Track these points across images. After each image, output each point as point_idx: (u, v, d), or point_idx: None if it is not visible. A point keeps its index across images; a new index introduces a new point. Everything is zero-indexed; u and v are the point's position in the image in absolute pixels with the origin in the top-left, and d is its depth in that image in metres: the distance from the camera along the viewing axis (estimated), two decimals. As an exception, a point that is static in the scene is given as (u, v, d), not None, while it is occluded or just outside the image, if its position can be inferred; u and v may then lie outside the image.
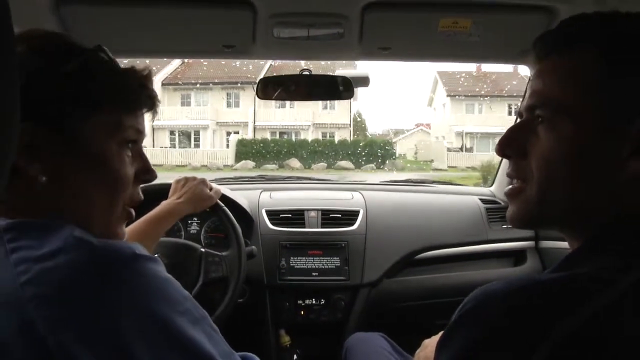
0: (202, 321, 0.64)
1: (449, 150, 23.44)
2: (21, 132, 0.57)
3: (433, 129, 29.00)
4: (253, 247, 1.59)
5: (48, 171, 0.62)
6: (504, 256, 2.03)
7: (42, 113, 0.61)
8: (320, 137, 23.96)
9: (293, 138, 23.65)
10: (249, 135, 23.46)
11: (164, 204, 1.35)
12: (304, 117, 23.85)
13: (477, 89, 24.95)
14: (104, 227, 0.69)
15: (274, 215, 1.88)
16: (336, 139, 22.90)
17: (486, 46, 1.42)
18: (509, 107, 23.98)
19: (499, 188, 2.17)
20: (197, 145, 23.15)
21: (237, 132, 23.48)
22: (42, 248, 0.57)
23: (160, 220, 1.29)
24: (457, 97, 25.56)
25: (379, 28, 1.33)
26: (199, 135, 23.34)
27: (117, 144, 0.68)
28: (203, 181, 1.44)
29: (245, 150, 21.14)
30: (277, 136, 23.77)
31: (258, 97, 1.64)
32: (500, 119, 22.98)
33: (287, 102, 23.04)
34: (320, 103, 22.67)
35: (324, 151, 21.28)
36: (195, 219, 1.83)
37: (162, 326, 0.58)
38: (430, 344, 1.25)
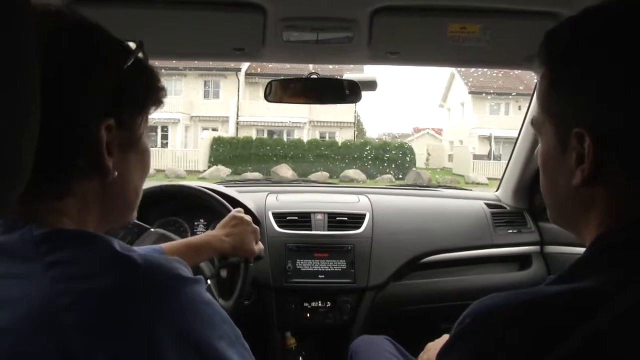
0: (237, 342, 0.64)
1: (475, 157, 20.37)
2: (104, 130, 0.60)
3: (447, 132, 25.95)
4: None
5: (116, 167, 0.63)
6: (509, 261, 2.04)
7: (113, 109, 0.63)
8: (318, 137, 19.94)
9: (285, 138, 19.74)
10: (230, 132, 19.58)
11: (208, 234, 1.33)
12: (299, 112, 19.63)
13: (506, 85, 21.24)
14: (133, 213, 0.73)
15: (280, 217, 1.89)
16: (338, 140, 18.93)
17: (494, 51, 1.43)
18: None
19: (504, 192, 2.17)
20: (164, 145, 19.03)
21: (216, 129, 19.44)
22: (82, 265, 0.55)
23: (200, 250, 1.27)
24: (481, 94, 22.15)
25: (388, 33, 1.34)
26: (167, 131, 19.33)
27: (148, 135, 0.72)
28: (255, 231, 1.39)
29: (221, 152, 16.92)
30: (265, 135, 19.86)
31: (266, 100, 1.64)
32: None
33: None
34: (318, 96, 19.47)
35: (324, 155, 17.23)
36: (202, 220, 1.84)
37: (202, 351, 0.57)
38: (433, 347, 1.25)
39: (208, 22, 1.34)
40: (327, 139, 20.09)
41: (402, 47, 1.43)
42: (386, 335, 1.48)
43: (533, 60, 1.49)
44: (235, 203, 1.71)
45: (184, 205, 1.69)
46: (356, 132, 21.81)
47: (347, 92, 1.62)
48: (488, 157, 20.98)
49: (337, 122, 20.54)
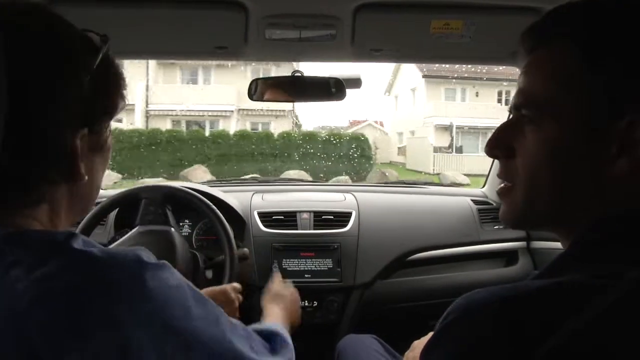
0: (219, 320, 0.63)
1: (436, 150, 18.03)
2: (79, 139, 0.58)
3: (394, 122, 23.39)
4: (245, 249, 1.58)
5: (86, 169, 0.62)
6: (496, 257, 2.04)
7: (87, 117, 0.61)
8: (249, 128, 16.58)
9: (207, 129, 16.33)
10: (137, 124, 15.99)
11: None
12: (225, 98, 16.34)
13: (468, 68, 18.27)
14: (92, 207, 0.75)
15: (266, 217, 1.88)
16: (274, 132, 15.04)
17: (477, 48, 1.43)
18: (499, 94, 19.21)
19: (490, 189, 2.18)
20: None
21: (120, 121, 14.71)
22: (43, 264, 0.53)
23: None
24: (435, 78, 19.53)
25: (371, 30, 1.33)
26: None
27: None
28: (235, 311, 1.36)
29: (117, 149, 11.98)
30: (184, 127, 16.50)
31: (250, 99, 1.63)
32: (489, 109, 17.99)
33: (200, 77, 17.44)
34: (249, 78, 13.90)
35: (257, 151, 13.41)
36: (187, 220, 1.82)
37: (181, 337, 0.57)
38: (418, 345, 1.24)
39: (189, 20, 1.32)
40: (259, 130, 16.61)
41: (385, 44, 1.43)
42: (374, 334, 1.47)
43: (517, 56, 1.49)
44: (220, 203, 1.69)
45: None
46: (295, 123, 18.62)
47: (332, 90, 1.62)
48: (449, 149, 18.49)
49: (271, 110, 17.08)
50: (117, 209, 1.69)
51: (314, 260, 1.79)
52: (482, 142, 18.51)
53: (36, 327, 0.50)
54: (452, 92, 20.29)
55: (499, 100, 19.28)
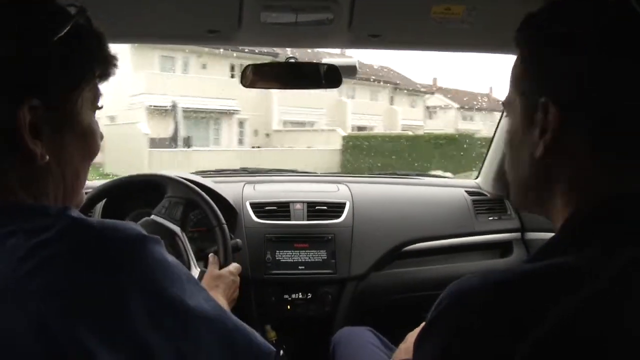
0: (208, 302, 0.63)
1: (153, 144, 12.21)
2: (25, 111, 0.55)
3: None
4: (238, 240, 1.55)
5: (49, 149, 0.59)
6: (490, 248, 2.04)
7: (37, 87, 0.57)
8: None
9: None
10: None
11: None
12: None
13: None
14: (78, 197, 0.69)
15: (258, 207, 1.85)
16: None
17: (478, 34, 1.40)
18: (232, 68, 15.29)
19: (484, 180, 2.17)
20: None
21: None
22: (41, 233, 0.53)
23: None
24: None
25: (370, 14, 1.30)
26: None
27: (94, 113, 0.67)
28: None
29: None
30: None
31: (242, 85, 1.59)
32: (221, 85, 13.91)
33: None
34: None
35: None
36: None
37: (176, 310, 0.56)
38: (411, 337, 1.24)
39: (180, 1, 1.27)
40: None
41: (383, 29, 1.39)
42: (369, 325, 1.47)
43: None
44: (212, 193, 1.66)
45: (159, 197, 1.63)
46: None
47: (327, 77, 1.59)
48: (172, 142, 12.76)
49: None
50: (105, 199, 1.64)
51: (307, 251, 1.77)
52: (214, 130, 14.87)
53: (38, 293, 0.50)
54: (171, 61, 14.64)
55: (232, 76, 15.29)
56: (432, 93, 23.48)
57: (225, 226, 1.46)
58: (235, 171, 2.35)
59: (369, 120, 20.72)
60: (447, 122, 21.89)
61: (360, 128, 19.95)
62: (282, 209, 1.86)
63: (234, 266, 1.39)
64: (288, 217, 1.83)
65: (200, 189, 1.51)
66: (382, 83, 21.16)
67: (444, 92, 23.42)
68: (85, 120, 0.64)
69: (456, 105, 22.59)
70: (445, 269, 1.92)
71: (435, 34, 1.40)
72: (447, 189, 2.16)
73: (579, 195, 0.60)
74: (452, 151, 12.10)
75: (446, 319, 0.56)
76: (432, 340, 0.57)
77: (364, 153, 13.04)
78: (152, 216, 1.46)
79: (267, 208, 1.85)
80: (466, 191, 2.10)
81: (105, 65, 0.66)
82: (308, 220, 1.83)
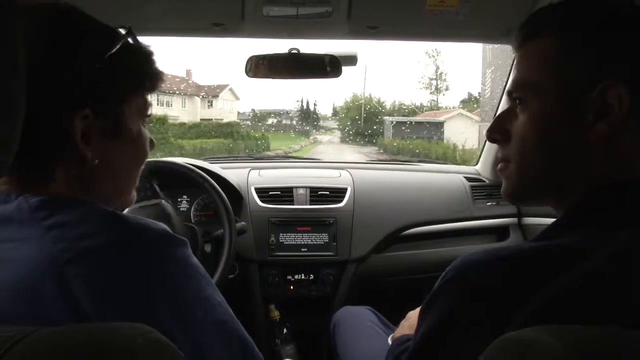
0: (221, 306, 0.69)
1: None
2: (79, 120, 0.61)
3: None
4: (243, 223, 1.61)
5: (98, 154, 0.65)
6: (487, 232, 2.07)
7: (90, 99, 0.63)
8: None
9: None
10: None
11: None
12: None
13: None
14: (127, 197, 0.75)
15: (263, 192, 1.90)
16: None
17: (472, 25, 1.44)
18: None
19: (483, 166, 2.20)
20: None
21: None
22: (80, 226, 0.59)
23: None
24: None
25: (367, 6, 1.34)
26: None
27: (142, 122, 0.73)
28: None
29: None
30: None
31: (247, 75, 1.63)
32: None
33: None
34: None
35: None
36: (185, 196, 1.85)
37: (192, 309, 0.62)
38: (413, 315, 1.27)
39: None
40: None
41: (380, 20, 1.43)
42: (369, 305, 1.51)
43: (511, 34, 1.50)
44: (219, 178, 1.72)
45: (165, 182, 1.68)
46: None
47: (329, 67, 1.63)
48: None
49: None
50: None
51: (310, 234, 1.82)
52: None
53: (75, 281, 0.55)
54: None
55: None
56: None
57: (230, 207, 1.51)
58: (241, 157, 2.40)
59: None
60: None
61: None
62: (285, 193, 1.91)
63: None
64: (291, 202, 1.89)
65: (208, 175, 1.57)
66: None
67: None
68: (134, 129, 0.70)
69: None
70: (443, 252, 1.95)
71: (430, 25, 1.44)
72: (446, 175, 2.19)
73: (594, 180, 0.61)
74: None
75: (451, 288, 0.59)
76: (437, 306, 0.60)
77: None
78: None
79: (271, 193, 1.90)
80: (465, 177, 2.13)
81: (153, 80, 0.72)
82: (311, 204, 1.88)
